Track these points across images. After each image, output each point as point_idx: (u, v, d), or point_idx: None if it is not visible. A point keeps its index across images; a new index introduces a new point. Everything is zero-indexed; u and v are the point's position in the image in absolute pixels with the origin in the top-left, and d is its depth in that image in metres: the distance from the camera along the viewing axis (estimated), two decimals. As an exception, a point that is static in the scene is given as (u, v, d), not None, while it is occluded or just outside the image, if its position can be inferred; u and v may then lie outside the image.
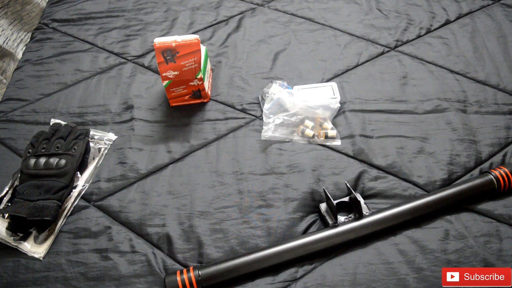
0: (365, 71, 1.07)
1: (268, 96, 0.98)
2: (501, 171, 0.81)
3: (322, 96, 0.99)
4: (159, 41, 0.92)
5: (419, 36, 1.15)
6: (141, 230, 0.81)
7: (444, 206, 0.80)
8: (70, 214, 0.83)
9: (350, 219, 0.78)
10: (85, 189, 0.87)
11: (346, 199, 0.82)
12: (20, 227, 0.79)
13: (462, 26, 1.17)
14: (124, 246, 0.78)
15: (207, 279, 0.71)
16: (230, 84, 1.06)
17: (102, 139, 0.95)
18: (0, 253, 0.78)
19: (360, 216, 0.78)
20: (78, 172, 0.88)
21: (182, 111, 1.01)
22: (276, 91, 0.98)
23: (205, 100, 1.03)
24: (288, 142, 0.93)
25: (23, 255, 0.78)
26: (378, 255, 0.75)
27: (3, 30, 1.35)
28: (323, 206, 0.82)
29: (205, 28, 1.22)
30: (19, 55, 1.35)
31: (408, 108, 0.98)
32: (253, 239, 0.79)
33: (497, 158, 0.88)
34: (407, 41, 1.14)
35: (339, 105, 0.97)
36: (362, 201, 0.80)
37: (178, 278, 0.71)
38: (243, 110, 1.01)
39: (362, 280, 0.72)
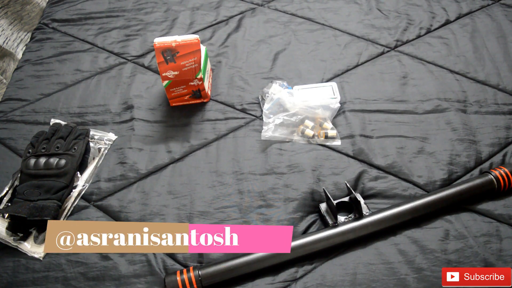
0: (365, 71, 1.07)
1: (268, 96, 0.98)
2: (501, 171, 0.81)
3: (322, 96, 0.99)
4: (159, 41, 0.92)
5: (419, 36, 1.15)
6: (141, 230, 0.81)
7: (444, 206, 0.80)
8: (70, 214, 0.83)
9: (350, 219, 0.78)
10: (85, 189, 0.87)
11: (346, 199, 0.82)
12: (20, 227, 0.79)
13: (462, 26, 1.17)
14: (124, 246, 0.78)
15: (207, 279, 0.71)
16: (230, 84, 1.06)
17: (102, 139, 0.95)
18: (0, 253, 0.78)
19: (360, 216, 0.78)
20: (78, 172, 0.88)
21: (182, 111, 1.01)
22: (276, 91, 0.98)
23: (205, 100, 1.03)
24: (288, 142, 0.93)
25: (23, 255, 0.78)
26: (378, 255, 0.75)
27: (3, 30, 1.35)
28: (323, 206, 0.82)
29: (205, 28, 1.22)
30: (19, 55, 1.35)
31: (408, 108, 0.98)
32: (253, 239, 0.79)
33: (497, 158, 0.88)
34: (407, 41, 1.14)
35: (339, 105, 0.97)
36: (362, 201, 0.80)
37: (178, 278, 0.71)
38: (243, 110, 1.01)
39: (362, 280, 0.72)
